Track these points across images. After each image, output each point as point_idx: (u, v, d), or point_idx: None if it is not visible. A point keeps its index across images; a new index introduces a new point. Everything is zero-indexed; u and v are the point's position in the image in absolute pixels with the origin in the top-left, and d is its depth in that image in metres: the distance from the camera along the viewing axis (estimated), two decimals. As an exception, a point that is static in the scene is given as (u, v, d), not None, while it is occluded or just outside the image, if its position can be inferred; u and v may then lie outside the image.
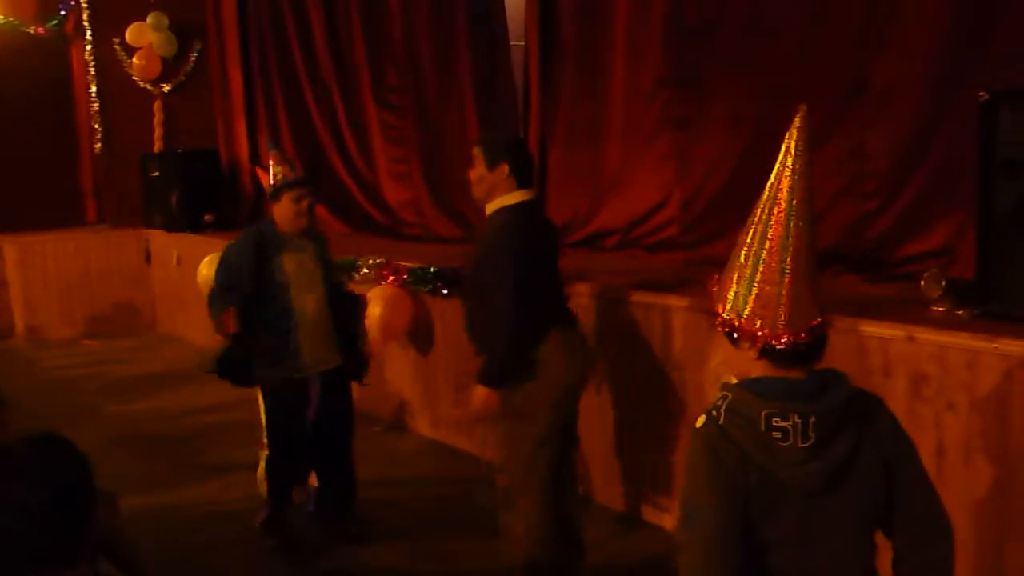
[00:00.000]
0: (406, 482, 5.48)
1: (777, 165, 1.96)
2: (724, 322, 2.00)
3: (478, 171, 3.81)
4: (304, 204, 4.44)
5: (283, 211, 4.44)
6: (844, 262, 4.82)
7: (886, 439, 2.02)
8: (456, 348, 5.67)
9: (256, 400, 4.60)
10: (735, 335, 1.99)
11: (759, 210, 1.97)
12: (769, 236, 1.94)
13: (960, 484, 3.45)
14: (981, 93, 3.55)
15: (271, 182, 4.46)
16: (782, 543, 1.95)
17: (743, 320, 1.96)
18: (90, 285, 8.87)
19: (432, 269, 6.01)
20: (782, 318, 1.92)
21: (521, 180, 3.80)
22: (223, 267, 4.49)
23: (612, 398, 4.85)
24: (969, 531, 3.43)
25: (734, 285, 1.99)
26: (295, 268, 4.45)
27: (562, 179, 6.57)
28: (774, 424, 1.89)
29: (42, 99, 10.17)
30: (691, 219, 5.64)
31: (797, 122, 1.95)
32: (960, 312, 3.70)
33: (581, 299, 4.77)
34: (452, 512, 4.99)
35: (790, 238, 1.92)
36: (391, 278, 6.15)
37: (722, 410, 1.95)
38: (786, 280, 1.92)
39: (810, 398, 1.92)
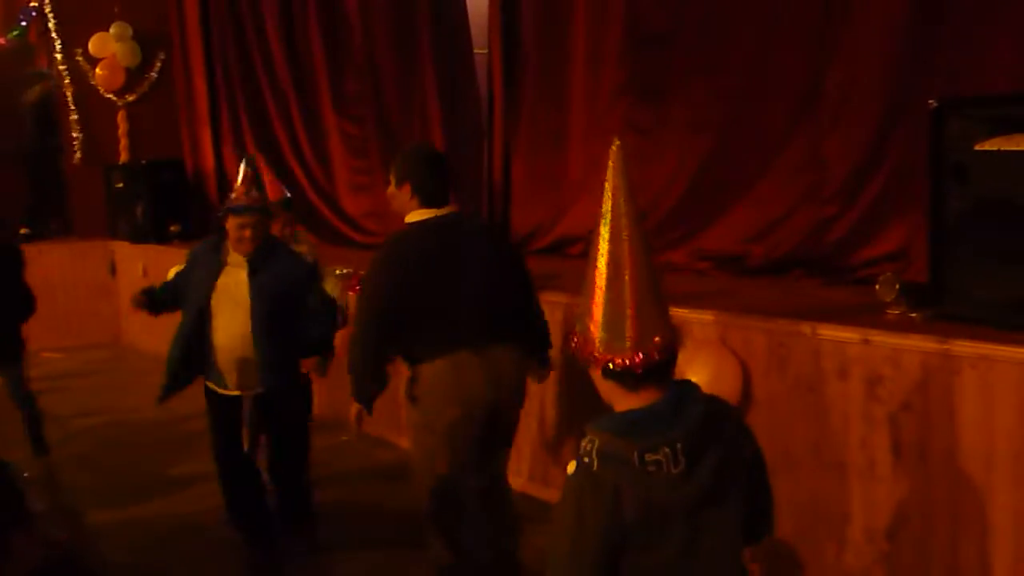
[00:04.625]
0: (378, 490, 5.46)
1: (602, 207, 2.06)
2: (590, 359, 2.04)
3: (390, 188, 3.80)
4: (247, 232, 4.17)
5: (229, 232, 4.24)
6: (803, 267, 4.90)
7: (742, 442, 2.13)
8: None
9: None
10: (602, 366, 2.03)
11: (592, 249, 2.05)
12: (599, 281, 2.01)
13: (916, 484, 3.51)
14: (931, 101, 3.63)
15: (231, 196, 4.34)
16: (669, 563, 2.01)
17: (599, 350, 2.02)
18: (53, 297, 8.72)
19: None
20: (632, 343, 1.99)
21: (426, 199, 3.71)
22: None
23: (576, 405, 4.88)
24: (924, 530, 3.50)
25: (589, 322, 2.04)
26: (223, 287, 4.25)
27: (526, 186, 6.60)
28: (647, 459, 1.95)
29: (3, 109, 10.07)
30: (654, 225, 5.68)
31: (611, 156, 2.06)
32: (914, 315, 3.76)
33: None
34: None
35: (624, 270, 2.00)
36: (359, 288, 6.14)
37: (593, 455, 1.98)
38: (629, 311, 1.99)
39: (670, 423, 1.98)
